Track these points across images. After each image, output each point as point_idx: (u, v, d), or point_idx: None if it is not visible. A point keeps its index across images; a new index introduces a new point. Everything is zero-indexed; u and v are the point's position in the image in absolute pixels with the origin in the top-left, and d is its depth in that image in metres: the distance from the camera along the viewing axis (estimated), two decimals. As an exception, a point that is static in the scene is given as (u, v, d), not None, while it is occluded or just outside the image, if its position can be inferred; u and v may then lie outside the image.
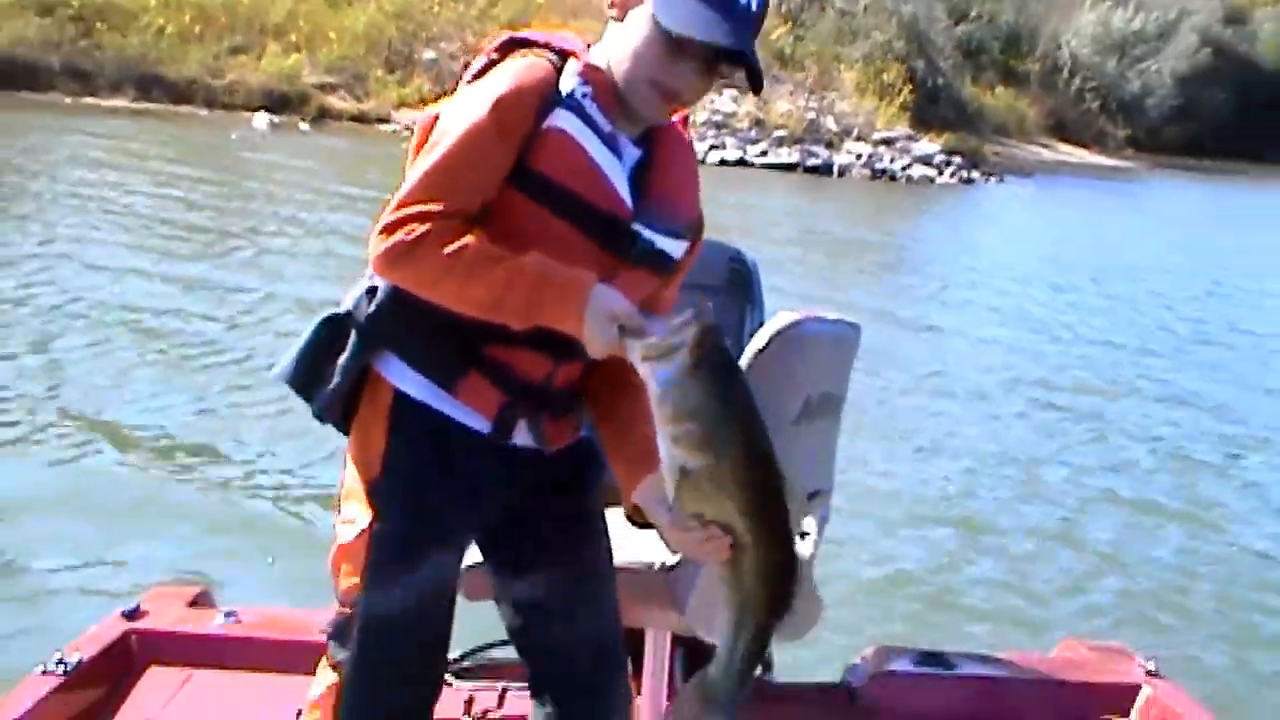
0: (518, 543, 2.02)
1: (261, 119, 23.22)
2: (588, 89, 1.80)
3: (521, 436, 1.91)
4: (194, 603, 3.10)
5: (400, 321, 1.81)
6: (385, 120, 25.28)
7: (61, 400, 6.76)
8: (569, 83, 1.80)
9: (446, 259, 1.70)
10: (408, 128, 24.23)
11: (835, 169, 26.74)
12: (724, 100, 26.81)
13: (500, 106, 1.74)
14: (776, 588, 1.52)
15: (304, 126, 23.90)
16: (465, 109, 1.76)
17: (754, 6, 1.77)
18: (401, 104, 25.67)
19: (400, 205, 1.74)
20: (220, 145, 19.58)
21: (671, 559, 2.25)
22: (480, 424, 1.87)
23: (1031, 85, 42.43)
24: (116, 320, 8.55)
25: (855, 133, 28.79)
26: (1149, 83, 45.69)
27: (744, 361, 2.30)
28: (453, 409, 1.86)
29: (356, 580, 1.89)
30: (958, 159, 29.51)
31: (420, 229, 1.71)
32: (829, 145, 27.72)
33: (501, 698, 2.74)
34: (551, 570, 2.01)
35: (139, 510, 5.43)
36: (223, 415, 6.78)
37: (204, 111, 23.75)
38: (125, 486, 5.69)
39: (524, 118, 1.75)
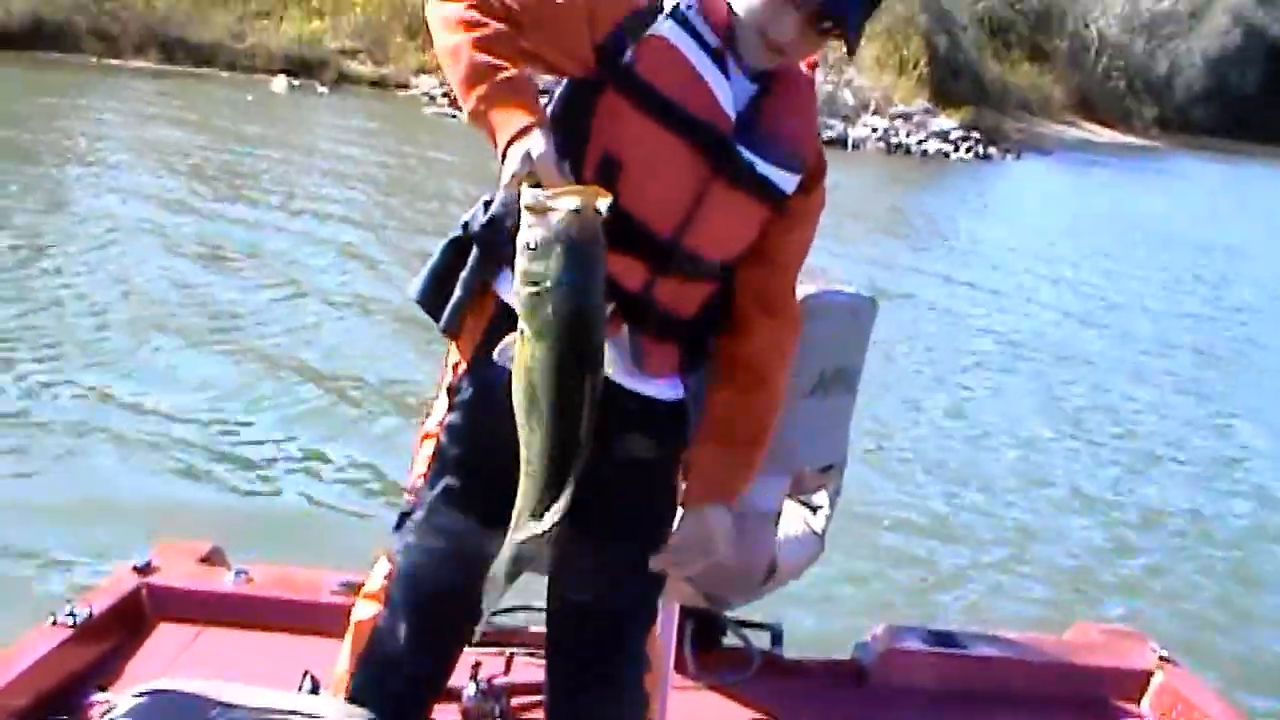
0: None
1: (280, 82, 23.23)
2: (694, 2, 1.82)
3: (618, 352, 1.83)
4: (205, 559, 3.08)
5: (509, 229, 1.75)
6: (405, 86, 25.19)
7: (71, 360, 6.79)
8: None
9: (468, 23, 1.71)
10: (427, 94, 24.18)
11: (850, 142, 26.56)
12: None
13: None
14: (550, 477, 1.57)
15: (321, 89, 23.91)
16: None
17: None
18: (421, 70, 25.56)
19: None
20: (235, 106, 19.56)
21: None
22: None
23: (1058, 63, 42.04)
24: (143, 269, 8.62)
25: (872, 106, 28.56)
26: (1178, 62, 45.32)
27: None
28: None
29: (425, 470, 1.94)
30: (975, 135, 29.26)
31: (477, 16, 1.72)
32: (845, 119, 27.51)
33: (509, 663, 2.73)
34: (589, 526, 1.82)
35: (152, 465, 5.47)
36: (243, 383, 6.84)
37: (225, 74, 23.76)
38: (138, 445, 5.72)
39: (614, 12, 1.78)
